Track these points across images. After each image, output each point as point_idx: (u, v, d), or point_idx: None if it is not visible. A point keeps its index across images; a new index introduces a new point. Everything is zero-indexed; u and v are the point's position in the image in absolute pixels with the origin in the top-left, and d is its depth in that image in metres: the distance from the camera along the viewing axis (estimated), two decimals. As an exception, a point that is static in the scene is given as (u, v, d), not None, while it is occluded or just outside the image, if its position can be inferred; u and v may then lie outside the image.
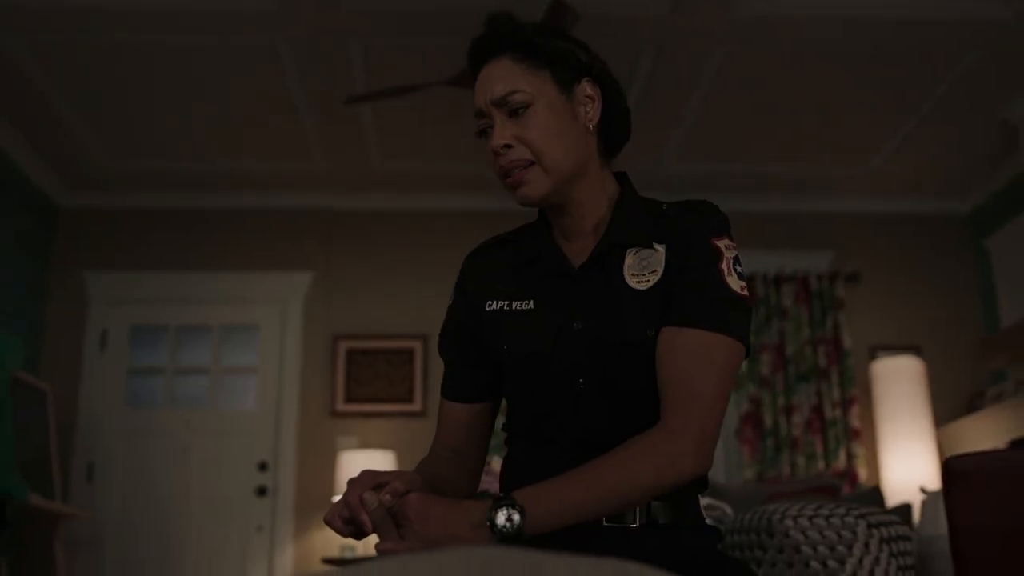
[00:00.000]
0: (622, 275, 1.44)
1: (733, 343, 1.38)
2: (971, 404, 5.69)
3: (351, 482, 1.28)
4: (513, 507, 1.22)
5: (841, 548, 2.21)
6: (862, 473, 5.63)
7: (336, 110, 4.86)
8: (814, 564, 2.20)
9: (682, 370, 1.35)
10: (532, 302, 1.47)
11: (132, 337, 5.92)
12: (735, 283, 1.40)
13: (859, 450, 5.69)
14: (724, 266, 1.40)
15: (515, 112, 1.43)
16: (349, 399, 5.80)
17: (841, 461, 5.66)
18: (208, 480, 5.67)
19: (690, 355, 1.35)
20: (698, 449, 1.31)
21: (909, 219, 6.24)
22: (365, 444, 5.61)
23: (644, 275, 1.42)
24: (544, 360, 1.43)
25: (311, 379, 5.85)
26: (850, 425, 5.74)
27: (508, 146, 1.43)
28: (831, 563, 2.19)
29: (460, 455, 1.58)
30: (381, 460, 5.21)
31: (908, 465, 5.30)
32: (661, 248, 1.44)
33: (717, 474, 5.75)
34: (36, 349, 5.67)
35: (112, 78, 4.77)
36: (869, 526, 2.22)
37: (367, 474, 1.29)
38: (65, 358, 5.77)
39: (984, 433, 5.16)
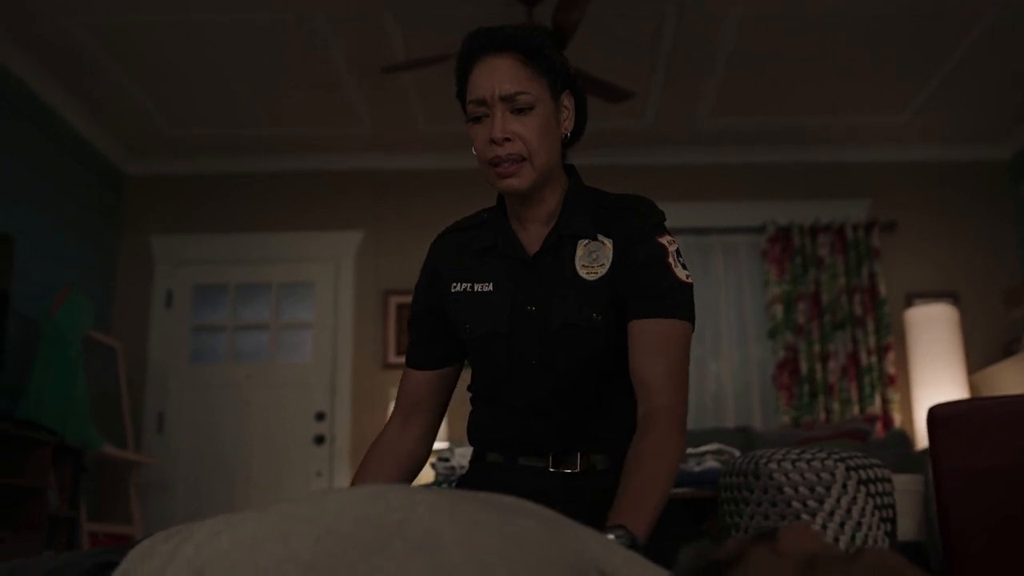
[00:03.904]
0: (573, 265, 1.62)
1: (685, 324, 1.58)
2: (1007, 349, 5.71)
3: None
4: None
5: (820, 489, 2.36)
6: (897, 418, 5.70)
7: (381, 78, 5.03)
8: (795, 504, 2.36)
9: (654, 355, 1.54)
10: (491, 285, 1.66)
11: (195, 296, 6.20)
12: (681, 273, 1.60)
13: (894, 396, 5.74)
14: (671, 260, 1.60)
15: (518, 110, 1.57)
16: (400, 351, 5.98)
17: (876, 406, 5.73)
18: (269, 430, 5.94)
19: (656, 343, 1.55)
20: (682, 421, 1.53)
21: (946, 167, 6.21)
22: (415, 394, 5.82)
23: (593, 267, 1.61)
24: (501, 338, 1.63)
25: (363, 333, 6.07)
26: (885, 371, 5.79)
27: (507, 139, 1.57)
28: (811, 503, 2.35)
29: (418, 415, 1.77)
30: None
31: (940, 410, 5.34)
32: (608, 243, 1.62)
33: (754, 419, 5.89)
34: (107, 309, 5.97)
35: (170, 53, 5.01)
36: (848, 469, 2.37)
37: None
38: (133, 317, 6.07)
39: (1017, 378, 5.20)
